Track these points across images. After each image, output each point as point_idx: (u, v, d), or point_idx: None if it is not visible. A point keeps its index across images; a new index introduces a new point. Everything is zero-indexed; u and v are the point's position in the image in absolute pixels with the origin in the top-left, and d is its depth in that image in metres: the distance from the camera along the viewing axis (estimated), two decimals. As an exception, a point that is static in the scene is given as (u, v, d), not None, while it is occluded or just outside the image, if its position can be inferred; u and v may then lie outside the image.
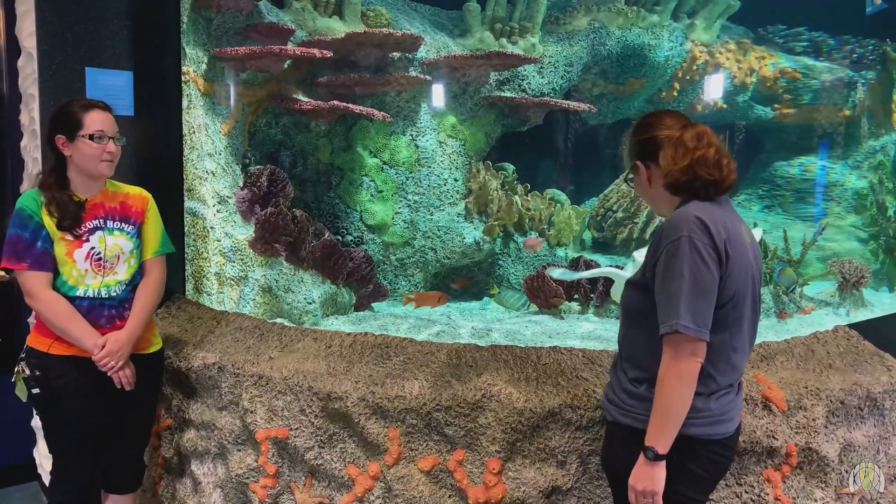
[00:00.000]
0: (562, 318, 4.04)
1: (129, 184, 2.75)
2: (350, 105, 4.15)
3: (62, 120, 2.50)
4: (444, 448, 2.52)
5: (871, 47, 6.32)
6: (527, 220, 5.08)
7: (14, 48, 3.43)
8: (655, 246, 1.85)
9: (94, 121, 2.49)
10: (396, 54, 4.51)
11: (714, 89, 6.26)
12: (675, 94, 6.16)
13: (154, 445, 3.26)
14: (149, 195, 2.74)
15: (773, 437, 2.43)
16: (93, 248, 2.53)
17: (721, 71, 6.21)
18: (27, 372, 2.51)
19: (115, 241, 2.59)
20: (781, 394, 2.48)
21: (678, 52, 5.88)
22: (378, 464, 2.58)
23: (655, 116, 2.01)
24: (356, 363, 2.74)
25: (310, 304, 3.64)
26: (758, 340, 2.97)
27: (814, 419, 2.49)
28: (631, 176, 2.07)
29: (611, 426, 2.02)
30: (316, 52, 3.85)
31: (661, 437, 1.78)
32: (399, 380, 2.58)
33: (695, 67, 6.06)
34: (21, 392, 2.56)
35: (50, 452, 2.62)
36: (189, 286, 3.59)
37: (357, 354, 2.80)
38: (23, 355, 2.56)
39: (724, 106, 6.38)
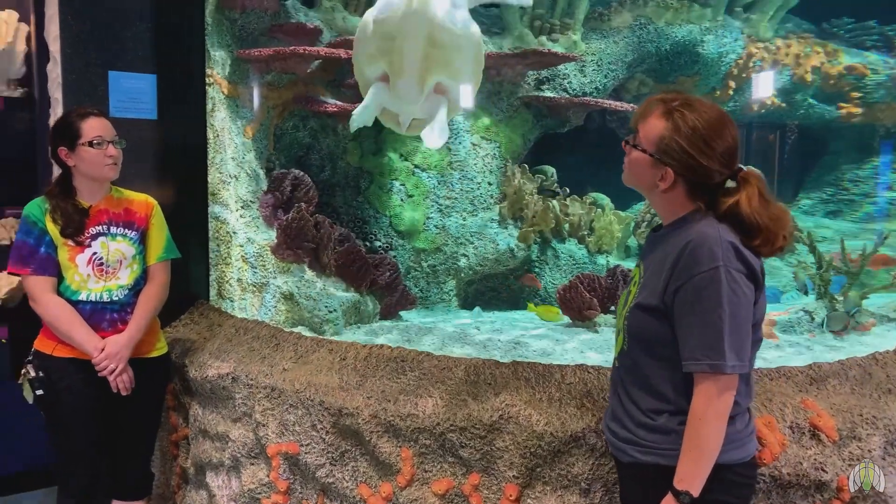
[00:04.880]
0: (596, 331, 3.82)
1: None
2: (380, 107, 4.03)
3: (62, 132, 2.59)
4: (459, 471, 2.37)
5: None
6: (565, 226, 4.86)
7: (45, 53, 3.44)
8: (681, 271, 1.64)
9: (92, 128, 2.57)
10: (429, 54, 4.38)
11: (772, 87, 5.94)
12: (731, 92, 5.86)
13: (173, 454, 3.22)
14: (154, 202, 2.80)
15: (823, 470, 2.20)
16: (95, 253, 2.60)
17: (780, 68, 5.89)
18: (32, 374, 2.58)
19: (118, 247, 2.65)
20: (832, 422, 2.25)
21: (733, 49, 5.59)
22: (390, 485, 2.45)
23: (733, 135, 1.66)
24: (369, 377, 2.62)
25: (331, 312, 3.53)
26: (809, 360, 2.73)
27: (869, 450, 2.25)
28: (637, 146, 1.70)
29: (629, 468, 1.82)
30: (342, 52, 3.75)
31: (697, 479, 1.63)
32: (412, 397, 2.44)
33: (751, 65, 5.75)
34: (28, 394, 2.62)
35: (54, 455, 2.67)
36: (213, 292, 3.54)
37: (371, 368, 2.67)
38: (29, 357, 2.63)
39: (783, 105, 6.05)
